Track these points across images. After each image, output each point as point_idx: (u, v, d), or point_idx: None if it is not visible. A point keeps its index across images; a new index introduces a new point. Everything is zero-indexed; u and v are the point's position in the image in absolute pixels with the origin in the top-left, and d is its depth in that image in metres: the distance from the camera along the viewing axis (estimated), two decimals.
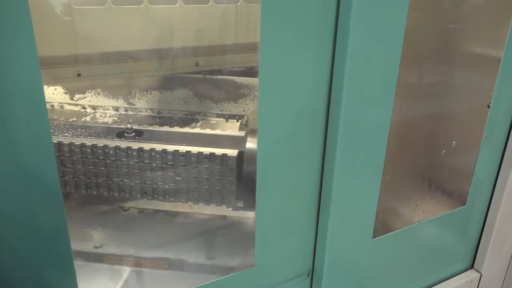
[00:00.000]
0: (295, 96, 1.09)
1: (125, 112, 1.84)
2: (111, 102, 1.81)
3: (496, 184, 1.65)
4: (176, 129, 1.66)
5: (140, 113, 1.84)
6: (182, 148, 1.52)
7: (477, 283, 1.79)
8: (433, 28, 1.53)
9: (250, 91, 1.77)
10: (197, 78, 1.81)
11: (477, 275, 1.78)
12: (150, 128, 1.65)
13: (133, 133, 1.62)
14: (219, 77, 1.81)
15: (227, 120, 1.82)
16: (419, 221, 1.52)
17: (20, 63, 0.76)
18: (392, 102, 1.19)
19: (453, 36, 1.59)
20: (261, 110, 1.06)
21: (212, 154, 1.50)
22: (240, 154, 1.50)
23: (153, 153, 1.52)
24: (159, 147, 1.53)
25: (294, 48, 1.03)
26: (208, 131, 1.65)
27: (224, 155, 1.50)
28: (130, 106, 1.84)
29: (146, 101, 1.83)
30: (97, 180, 1.56)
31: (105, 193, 1.58)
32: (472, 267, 1.81)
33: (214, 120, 1.82)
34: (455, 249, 1.73)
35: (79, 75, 1.53)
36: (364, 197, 1.29)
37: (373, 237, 1.37)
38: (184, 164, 1.52)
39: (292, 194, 1.22)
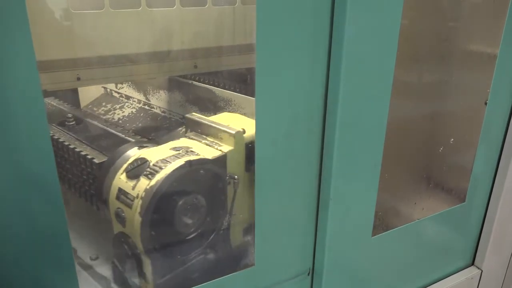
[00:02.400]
0: (292, 96, 1.10)
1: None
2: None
3: (495, 180, 1.65)
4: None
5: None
6: None
7: (478, 280, 1.79)
8: (429, 27, 1.54)
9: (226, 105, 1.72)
10: (187, 84, 1.83)
11: (477, 272, 1.78)
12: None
13: (73, 122, 1.71)
14: (202, 85, 1.80)
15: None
16: (418, 219, 1.52)
17: (18, 68, 0.77)
18: (389, 101, 1.19)
19: (449, 34, 1.60)
20: (258, 111, 1.07)
21: None
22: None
23: None
24: None
25: (290, 49, 1.04)
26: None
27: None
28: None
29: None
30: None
31: None
32: (472, 264, 1.81)
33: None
34: (455, 246, 1.73)
35: (78, 79, 1.54)
36: (363, 195, 1.30)
37: (372, 235, 1.37)
38: None
39: (291, 193, 1.22)
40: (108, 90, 2.10)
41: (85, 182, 1.50)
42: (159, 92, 1.95)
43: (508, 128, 1.56)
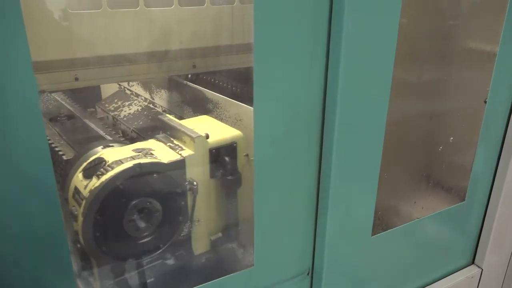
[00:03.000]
0: (290, 96, 1.09)
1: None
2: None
3: (494, 178, 1.65)
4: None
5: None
6: None
7: (478, 278, 1.79)
8: (428, 25, 1.53)
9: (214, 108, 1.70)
10: (182, 84, 1.83)
11: (478, 270, 1.78)
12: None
13: (65, 117, 1.73)
14: (194, 86, 1.79)
15: None
16: (418, 218, 1.52)
17: (14, 69, 0.77)
18: (388, 100, 1.19)
19: (448, 32, 1.59)
20: (256, 110, 1.06)
21: None
22: None
23: None
24: None
25: (288, 48, 1.04)
26: None
27: None
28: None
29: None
30: None
31: None
32: (473, 262, 1.81)
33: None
34: (455, 245, 1.73)
35: (76, 79, 1.53)
36: (362, 195, 1.30)
37: (372, 235, 1.37)
38: None
39: (290, 193, 1.22)
40: (122, 87, 2.13)
41: (57, 178, 1.51)
42: (161, 91, 1.96)
43: (508, 127, 1.55)
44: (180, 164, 1.30)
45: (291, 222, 1.27)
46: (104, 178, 1.20)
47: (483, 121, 1.50)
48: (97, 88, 2.09)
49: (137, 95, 2.06)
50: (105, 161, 1.26)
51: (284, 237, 1.27)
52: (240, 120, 1.47)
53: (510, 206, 1.68)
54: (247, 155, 1.46)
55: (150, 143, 1.40)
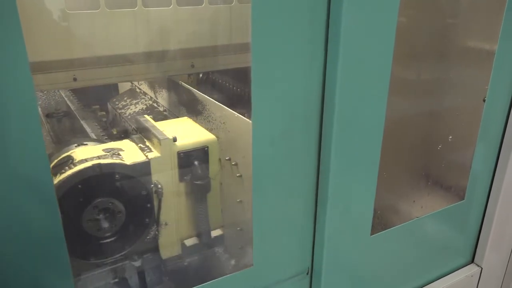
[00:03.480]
0: (288, 95, 1.09)
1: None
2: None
3: (494, 177, 1.65)
4: None
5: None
6: None
7: (478, 277, 1.79)
8: (427, 24, 1.53)
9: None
10: (177, 84, 1.83)
11: (477, 269, 1.78)
12: None
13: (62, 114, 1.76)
14: (187, 87, 1.79)
15: None
16: (417, 217, 1.52)
17: (11, 71, 0.77)
18: (386, 99, 1.19)
19: (447, 31, 1.59)
20: (254, 110, 1.06)
21: None
22: None
23: None
24: None
25: (286, 47, 1.04)
26: None
27: None
28: None
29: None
30: None
31: None
32: (472, 261, 1.81)
33: None
34: (455, 244, 1.73)
35: (75, 79, 1.53)
36: (361, 194, 1.29)
37: (371, 234, 1.37)
38: None
39: (289, 192, 1.22)
40: (133, 85, 2.17)
41: None
42: (162, 91, 1.96)
43: (507, 125, 1.55)
44: (144, 166, 1.29)
45: (290, 221, 1.26)
46: (63, 176, 1.20)
47: (482, 120, 1.50)
48: (115, 84, 2.12)
49: (145, 94, 2.08)
50: (72, 159, 1.26)
51: (283, 236, 1.27)
52: (224, 123, 1.47)
53: (510, 204, 1.68)
54: (229, 159, 1.45)
55: (123, 143, 1.40)
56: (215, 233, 1.54)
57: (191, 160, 1.39)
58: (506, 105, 1.53)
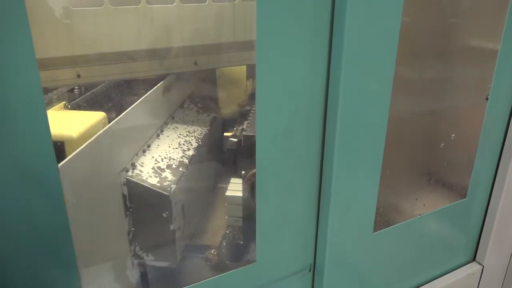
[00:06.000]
0: (292, 92, 1.09)
1: None
2: None
3: (496, 175, 1.65)
4: None
5: None
6: None
7: (479, 275, 1.79)
8: (430, 23, 1.53)
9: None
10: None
11: (479, 267, 1.78)
12: None
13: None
14: None
15: None
16: (419, 215, 1.52)
17: (19, 66, 0.77)
18: (390, 97, 1.19)
19: (450, 30, 1.59)
20: (258, 107, 1.06)
21: None
22: None
23: None
24: None
25: (290, 44, 1.04)
26: None
27: None
28: None
29: None
30: None
31: None
32: (474, 259, 1.81)
33: None
34: (457, 242, 1.73)
35: (78, 76, 1.54)
36: (364, 191, 1.30)
37: (374, 231, 1.37)
38: None
39: (292, 189, 1.22)
40: None
41: None
42: None
43: (510, 124, 1.55)
44: None
45: (293, 218, 1.27)
46: None
47: (485, 118, 1.50)
48: None
49: None
50: None
51: (285, 233, 1.27)
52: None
53: (511, 203, 1.69)
54: None
55: None
56: None
57: None
58: (508, 104, 1.53)
